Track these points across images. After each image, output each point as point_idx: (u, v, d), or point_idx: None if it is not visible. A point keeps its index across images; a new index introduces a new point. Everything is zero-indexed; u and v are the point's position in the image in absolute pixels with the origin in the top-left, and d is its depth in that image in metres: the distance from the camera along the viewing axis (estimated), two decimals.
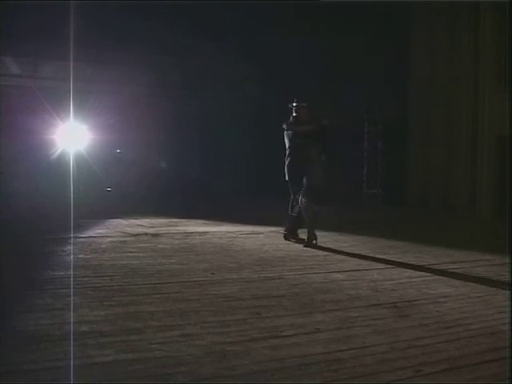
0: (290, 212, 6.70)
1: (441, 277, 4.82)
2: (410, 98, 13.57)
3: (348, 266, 5.28)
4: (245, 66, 13.96)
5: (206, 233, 6.90)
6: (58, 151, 12.91)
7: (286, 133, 6.61)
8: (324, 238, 7.41)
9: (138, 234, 7.25)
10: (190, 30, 12.60)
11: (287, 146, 6.57)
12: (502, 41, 11.19)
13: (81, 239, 6.63)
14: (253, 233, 7.65)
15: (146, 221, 8.88)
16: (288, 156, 6.56)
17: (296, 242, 6.64)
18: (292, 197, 6.67)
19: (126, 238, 6.85)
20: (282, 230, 7.02)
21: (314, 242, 6.44)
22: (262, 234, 7.57)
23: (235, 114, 14.24)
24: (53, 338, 2.88)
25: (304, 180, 6.39)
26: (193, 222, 8.50)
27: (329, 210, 6.92)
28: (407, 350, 2.85)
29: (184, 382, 2.38)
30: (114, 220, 8.73)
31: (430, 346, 2.90)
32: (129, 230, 7.75)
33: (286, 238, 6.85)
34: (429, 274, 4.92)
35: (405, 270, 5.14)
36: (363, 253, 6.10)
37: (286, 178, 6.60)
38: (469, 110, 12.01)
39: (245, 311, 3.53)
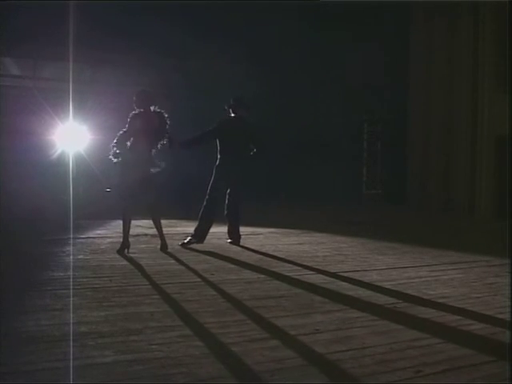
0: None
1: (440, 277, 4.82)
2: (409, 98, 13.59)
3: (347, 266, 5.28)
4: (245, 67, 13.95)
5: None
6: (58, 152, 12.91)
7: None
8: (323, 238, 7.43)
9: (137, 235, 7.26)
10: (190, 30, 12.59)
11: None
12: (501, 41, 11.21)
13: (80, 240, 6.63)
14: (252, 233, 7.65)
15: (145, 221, 8.85)
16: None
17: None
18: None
19: None
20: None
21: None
22: (261, 234, 7.57)
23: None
24: (52, 338, 2.88)
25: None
26: (192, 222, 8.48)
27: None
28: (407, 350, 2.84)
29: (184, 383, 2.38)
30: (114, 221, 8.71)
31: (429, 347, 2.89)
32: None
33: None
34: (428, 275, 4.92)
35: (404, 270, 5.14)
36: (362, 254, 6.11)
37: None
38: (468, 110, 12.03)
39: (244, 312, 3.53)
